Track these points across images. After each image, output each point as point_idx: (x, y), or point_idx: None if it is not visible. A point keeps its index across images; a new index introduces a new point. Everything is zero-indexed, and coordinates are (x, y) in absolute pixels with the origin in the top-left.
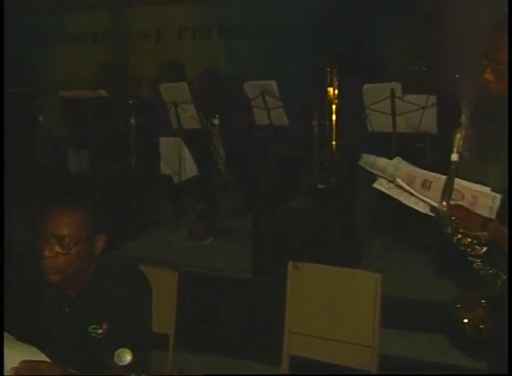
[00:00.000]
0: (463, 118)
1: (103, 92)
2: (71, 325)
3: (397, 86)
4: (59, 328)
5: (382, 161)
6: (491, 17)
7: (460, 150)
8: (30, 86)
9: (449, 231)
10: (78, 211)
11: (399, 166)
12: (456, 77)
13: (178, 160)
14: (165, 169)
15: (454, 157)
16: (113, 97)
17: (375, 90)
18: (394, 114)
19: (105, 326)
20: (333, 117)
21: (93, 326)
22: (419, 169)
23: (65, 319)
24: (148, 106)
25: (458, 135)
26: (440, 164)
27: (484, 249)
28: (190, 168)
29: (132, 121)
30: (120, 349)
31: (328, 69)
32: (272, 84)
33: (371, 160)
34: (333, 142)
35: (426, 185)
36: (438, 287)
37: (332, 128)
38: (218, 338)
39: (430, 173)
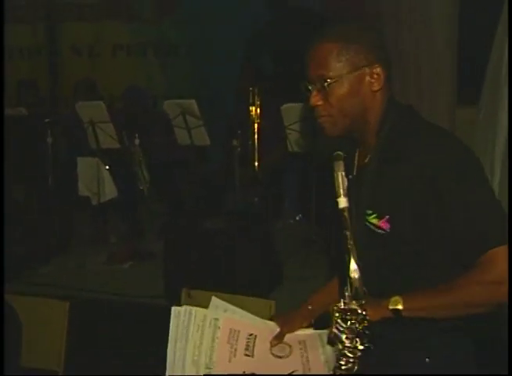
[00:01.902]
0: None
1: (23, 110)
2: None
3: None
4: None
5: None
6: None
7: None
8: None
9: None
10: None
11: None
12: None
13: (96, 181)
14: (83, 190)
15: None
16: (33, 115)
17: (295, 110)
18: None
19: None
20: (256, 136)
21: None
22: (244, 313)
23: None
24: (66, 124)
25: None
26: None
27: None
28: (109, 190)
29: (49, 139)
30: None
31: (250, 88)
32: (193, 104)
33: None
34: (256, 163)
35: (249, 346)
36: None
37: (254, 147)
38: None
39: (256, 320)
